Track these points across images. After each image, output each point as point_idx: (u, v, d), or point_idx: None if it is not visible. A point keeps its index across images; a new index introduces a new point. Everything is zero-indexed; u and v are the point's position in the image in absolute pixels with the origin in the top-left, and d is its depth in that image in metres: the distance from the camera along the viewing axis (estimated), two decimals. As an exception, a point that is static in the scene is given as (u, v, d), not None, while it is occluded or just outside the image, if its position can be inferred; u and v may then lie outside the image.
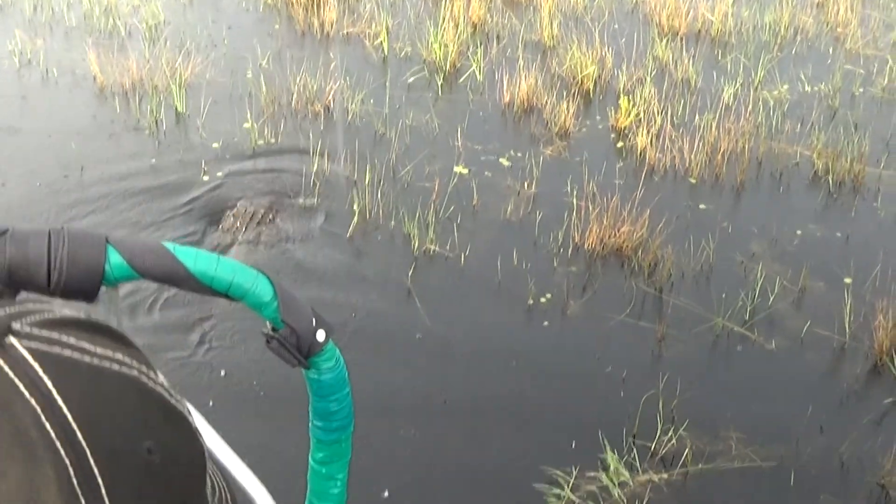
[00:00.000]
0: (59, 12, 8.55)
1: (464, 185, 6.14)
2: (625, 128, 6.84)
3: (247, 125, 6.75)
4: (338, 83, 7.22)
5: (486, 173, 6.31)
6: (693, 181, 6.34)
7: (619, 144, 6.73)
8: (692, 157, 6.47)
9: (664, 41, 8.11)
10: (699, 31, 8.53)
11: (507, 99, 7.16)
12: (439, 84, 7.44)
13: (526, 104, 7.11)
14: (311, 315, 1.01)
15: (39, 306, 0.62)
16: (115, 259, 0.94)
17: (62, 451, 0.54)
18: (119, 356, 0.62)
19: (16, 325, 0.58)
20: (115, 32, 8.13)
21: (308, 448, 1.06)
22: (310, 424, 1.06)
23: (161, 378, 0.65)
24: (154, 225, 5.67)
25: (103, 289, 0.94)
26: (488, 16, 8.62)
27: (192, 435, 0.65)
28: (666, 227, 5.70)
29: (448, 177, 6.20)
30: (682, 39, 8.30)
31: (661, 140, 6.67)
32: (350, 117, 6.90)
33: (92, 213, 5.74)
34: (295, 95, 7.10)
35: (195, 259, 0.97)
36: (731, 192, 6.27)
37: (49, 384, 0.55)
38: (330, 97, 7.09)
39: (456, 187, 6.10)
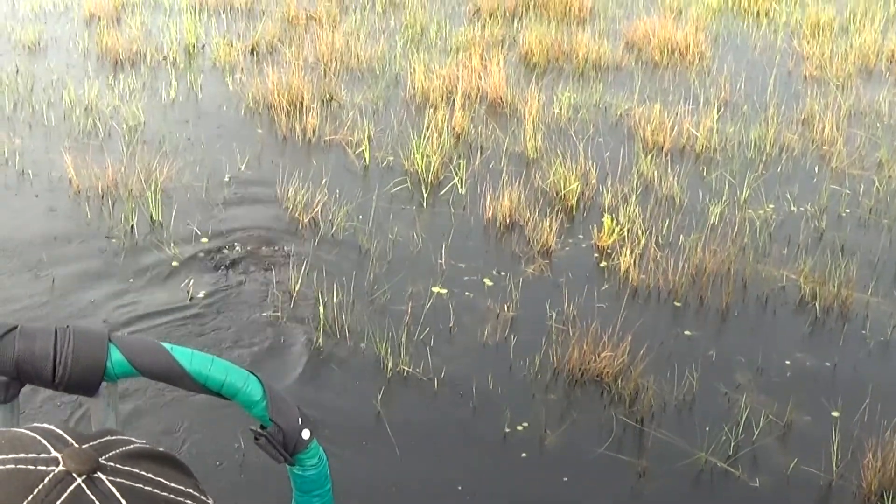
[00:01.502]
0: (40, 111, 8.44)
1: (442, 306, 5.98)
2: (608, 247, 6.71)
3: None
4: (325, 196, 7.08)
5: (465, 294, 6.15)
6: (677, 304, 6.19)
7: (602, 264, 6.59)
8: (676, 279, 6.33)
9: (649, 157, 8.03)
10: (683, 146, 8.45)
11: (489, 214, 7.04)
12: (424, 196, 7.31)
13: (508, 220, 6.98)
14: (297, 415, 1.07)
15: (119, 439, 0.67)
16: (115, 356, 1.00)
17: None
18: (189, 490, 0.67)
19: (101, 460, 0.63)
20: (94, 133, 8.01)
21: None
22: None
23: None
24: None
25: (103, 384, 1.02)
26: (471, 126, 8.54)
27: None
28: (648, 354, 5.53)
29: (427, 297, 6.05)
30: (666, 155, 8.22)
31: (644, 260, 6.54)
32: (334, 230, 6.77)
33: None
34: (286, 206, 6.98)
35: (191, 359, 1.02)
36: (716, 317, 6.12)
37: None
38: (317, 209, 6.94)
39: (434, 307, 5.94)
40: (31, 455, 0.62)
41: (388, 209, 7.09)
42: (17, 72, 9.31)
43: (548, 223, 6.80)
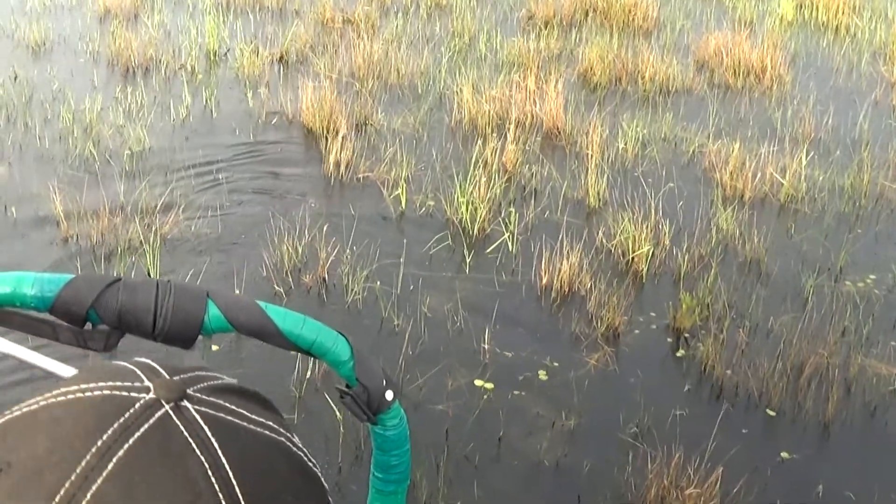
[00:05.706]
0: (33, 129, 7.44)
1: (487, 408, 4.94)
2: (685, 329, 5.66)
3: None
4: (355, 252, 6.07)
5: (515, 392, 5.11)
6: (771, 414, 5.12)
7: (680, 353, 5.53)
8: (769, 377, 5.28)
9: (729, 209, 6.93)
10: (766, 195, 7.35)
11: (544, 281, 5.98)
12: (465, 256, 6.23)
13: (567, 290, 5.92)
14: (381, 376, 1.06)
15: (209, 374, 0.71)
16: (213, 312, 0.99)
17: (223, 502, 0.60)
18: (270, 423, 0.69)
19: (189, 391, 0.66)
20: (91, 160, 7.00)
21: (367, 497, 1.08)
22: (370, 476, 1.10)
23: (299, 443, 0.73)
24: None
25: (199, 337, 1.01)
26: (525, 164, 7.45)
27: (324, 494, 0.71)
28: (743, 490, 4.48)
29: (468, 396, 5.02)
30: (749, 207, 7.12)
31: (730, 351, 5.49)
32: (363, 297, 5.74)
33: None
34: (309, 265, 5.97)
35: (284, 318, 1.02)
36: (816, 432, 5.04)
37: (215, 444, 0.62)
38: (346, 269, 5.92)
39: (478, 410, 4.91)
40: (125, 383, 0.66)
41: (426, 274, 6.04)
42: (16, 79, 8.32)
43: (614, 297, 5.75)
